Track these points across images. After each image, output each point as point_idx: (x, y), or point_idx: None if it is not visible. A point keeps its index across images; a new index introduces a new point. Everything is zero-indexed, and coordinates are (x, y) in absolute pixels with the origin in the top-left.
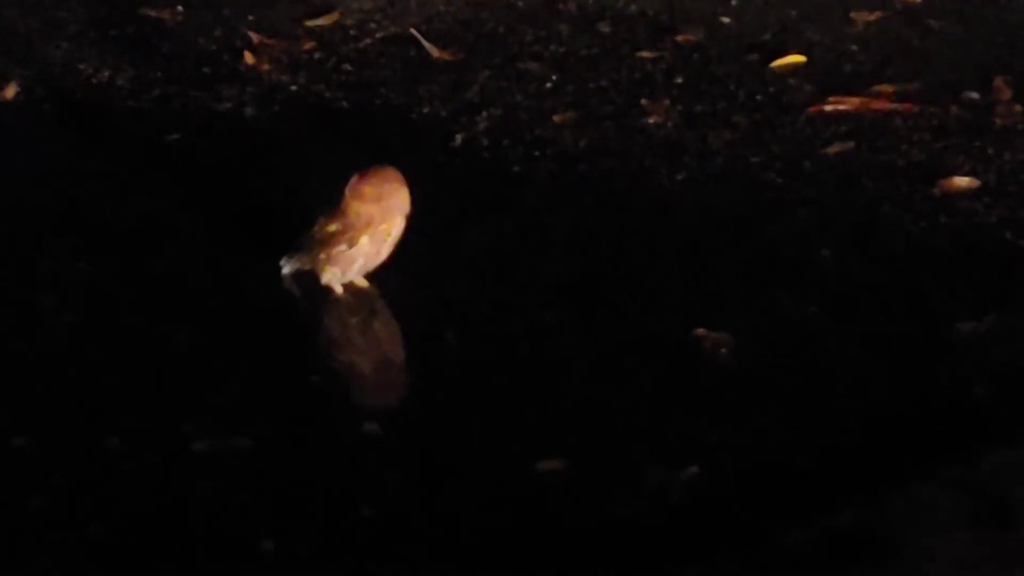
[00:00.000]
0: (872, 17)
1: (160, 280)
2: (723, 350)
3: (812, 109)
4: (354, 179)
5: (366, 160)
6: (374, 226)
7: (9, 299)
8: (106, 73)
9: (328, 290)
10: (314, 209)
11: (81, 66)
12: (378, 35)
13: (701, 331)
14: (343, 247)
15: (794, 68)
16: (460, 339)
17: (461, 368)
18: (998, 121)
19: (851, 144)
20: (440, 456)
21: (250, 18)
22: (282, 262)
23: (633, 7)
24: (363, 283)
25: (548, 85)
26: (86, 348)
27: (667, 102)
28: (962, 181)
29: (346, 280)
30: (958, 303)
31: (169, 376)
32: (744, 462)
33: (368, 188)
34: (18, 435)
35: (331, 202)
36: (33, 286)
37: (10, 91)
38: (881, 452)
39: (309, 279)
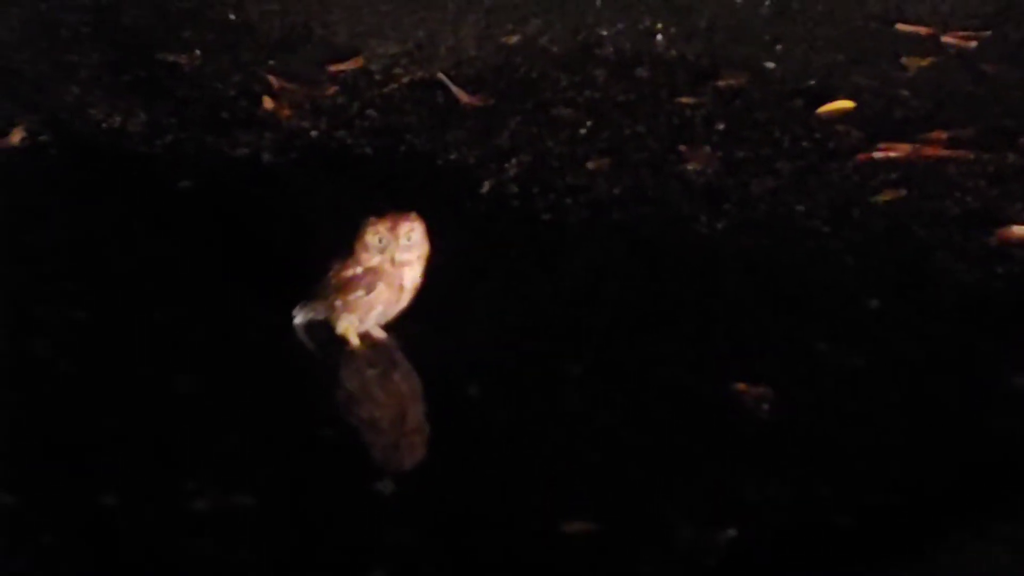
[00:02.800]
0: (924, 62)
1: (165, 329)
2: (764, 405)
3: (861, 156)
4: (371, 222)
5: (388, 206)
6: (393, 272)
7: (7, 347)
8: (118, 118)
9: (343, 340)
10: (330, 256)
11: (92, 110)
12: (404, 80)
13: (742, 385)
14: (360, 293)
15: (842, 114)
16: (483, 393)
17: (484, 424)
18: None
19: (902, 192)
20: (460, 517)
21: (271, 63)
22: (295, 311)
23: (672, 52)
24: (380, 333)
25: (582, 131)
26: (84, 399)
27: (707, 148)
28: (1020, 229)
29: (363, 329)
30: (1014, 355)
31: (171, 430)
32: (786, 521)
33: (385, 232)
34: (5, 492)
35: (347, 247)
36: (37, 332)
37: (16, 136)
38: (932, 509)
39: (323, 329)
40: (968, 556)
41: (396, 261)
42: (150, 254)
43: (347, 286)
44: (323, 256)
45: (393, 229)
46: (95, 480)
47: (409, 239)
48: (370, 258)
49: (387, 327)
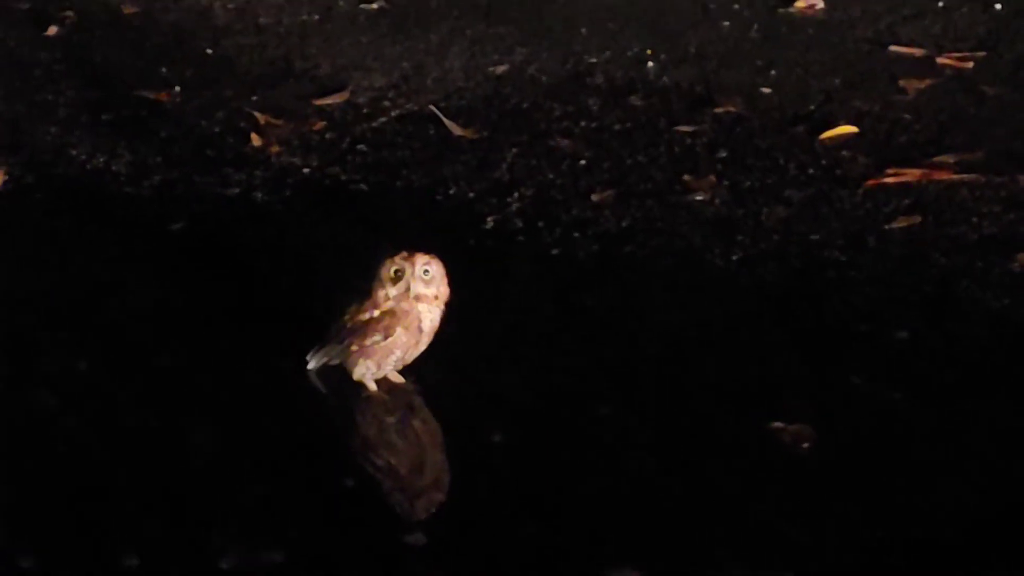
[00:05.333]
0: (922, 84)
1: (172, 378)
2: (804, 443)
3: (871, 182)
4: (388, 263)
5: (392, 244)
6: (411, 315)
7: (12, 400)
8: (102, 158)
9: (360, 386)
10: (341, 298)
11: (73, 151)
12: (393, 113)
13: (778, 424)
14: (378, 338)
15: (846, 139)
16: (510, 438)
17: (511, 470)
18: None
19: (917, 218)
20: (497, 569)
21: (254, 98)
22: (308, 356)
23: (665, 79)
24: (399, 379)
25: (582, 162)
26: (96, 454)
27: (712, 178)
28: None
29: (381, 375)
30: None
31: (188, 484)
32: (839, 562)
33: (402, 262)
34: (22, 554)
35: (360, 288)
36: (31, 386)
37: None
38: (985, 546)
39: (338, 373)
40: None
41: (413, 295)
42: (149, 299)
43: (364, 330)
44: (329, 297)
45: (409, 259)
46: (115, 541)
47: (427, 272)
48: (387, 295)
49: (405, 371)
